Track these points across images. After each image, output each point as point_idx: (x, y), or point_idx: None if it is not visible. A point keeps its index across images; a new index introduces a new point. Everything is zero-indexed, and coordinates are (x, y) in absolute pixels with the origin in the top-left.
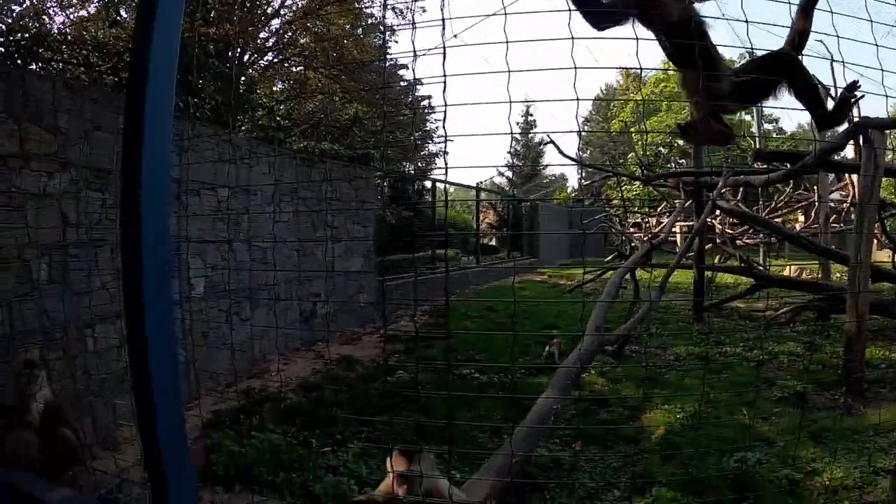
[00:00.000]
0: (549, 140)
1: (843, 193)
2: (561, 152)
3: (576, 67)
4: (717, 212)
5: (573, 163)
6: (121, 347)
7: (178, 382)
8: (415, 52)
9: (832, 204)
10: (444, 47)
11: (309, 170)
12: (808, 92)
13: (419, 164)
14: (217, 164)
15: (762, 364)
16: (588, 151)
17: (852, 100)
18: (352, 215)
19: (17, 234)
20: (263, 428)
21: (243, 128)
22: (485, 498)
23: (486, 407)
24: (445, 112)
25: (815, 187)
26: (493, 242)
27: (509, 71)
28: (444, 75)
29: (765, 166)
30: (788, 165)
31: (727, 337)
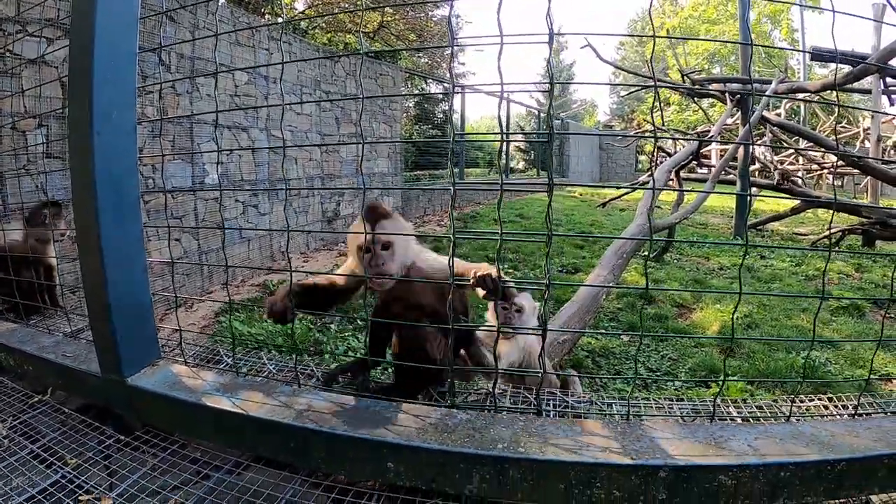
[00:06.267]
0: (587, 43)
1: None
2: (599, 56)
3: None
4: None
5: (613, 66)
6: None
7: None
8: None
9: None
10: None
11: (332, 63)
12: None
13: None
14: (234, 49)
15: (811, 279)
16: (621, 76)
17: None
18: (377, 114)
19: (12, 102)
20: None
21: (265, 14)
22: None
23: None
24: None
25: (860, 120)
26: (521, 165)
27: None
28: None
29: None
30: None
31: (772, 252)
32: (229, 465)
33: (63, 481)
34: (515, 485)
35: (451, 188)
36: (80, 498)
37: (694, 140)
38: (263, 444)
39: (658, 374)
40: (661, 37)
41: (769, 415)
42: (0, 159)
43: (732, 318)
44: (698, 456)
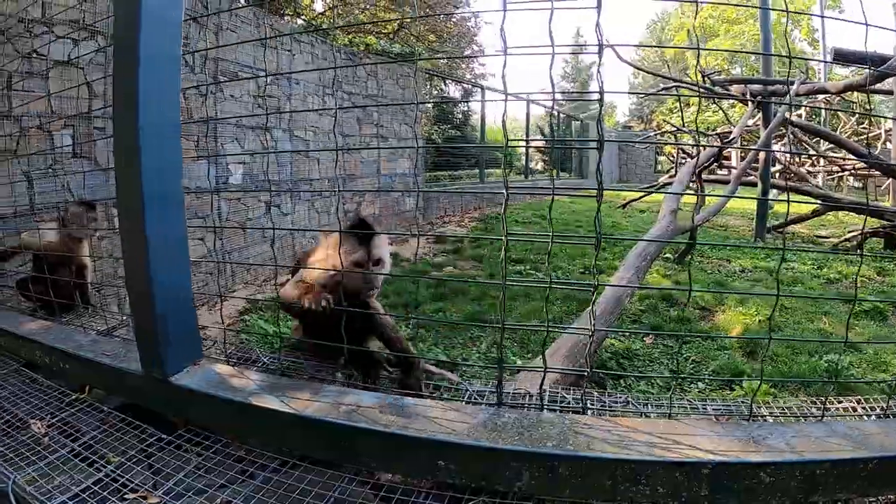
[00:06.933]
0: (607, 44)
1: None
2: (620, 57)
3: None
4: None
5: (633, 67)
6: None
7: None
8: None
9: None
10: None
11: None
12: None
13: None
14: (256, 50)
15: (833, 282)
16: (640, 77)
17: None
18: (398, 114)
19: (39, 103)
20: None
21: (286, 15)
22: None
23: (543, 297)
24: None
25: (881, 121)
26: (540, 166)
27: None
28: None
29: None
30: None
31: (795, 254)
32: (275, 465)
33: (107, 479)
34: (565, 481)
35: (504, 192)
36: (126, 496)
37: (715, 146)
38: (314, 442)
39: (682, 375)
40: (706, 49)
41: (799, 415)
42: (28, 160)
43: (770, 318)
44: (738, 453)
